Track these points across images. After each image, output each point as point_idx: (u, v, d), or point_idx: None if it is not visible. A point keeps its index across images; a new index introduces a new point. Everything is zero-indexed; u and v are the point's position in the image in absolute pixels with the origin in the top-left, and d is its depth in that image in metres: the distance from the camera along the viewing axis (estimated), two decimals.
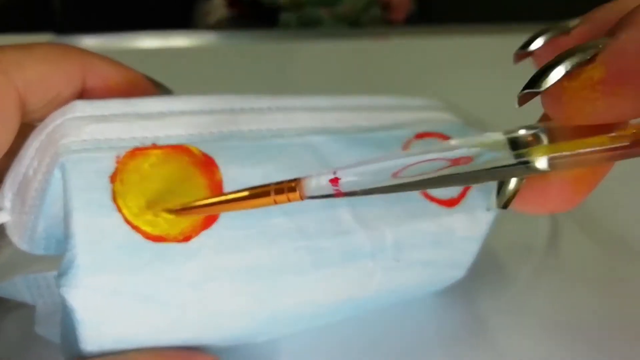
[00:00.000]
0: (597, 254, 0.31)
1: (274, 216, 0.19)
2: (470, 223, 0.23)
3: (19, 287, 0.21)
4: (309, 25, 1.17)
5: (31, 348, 0.23)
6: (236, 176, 0.19)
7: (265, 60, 0.61)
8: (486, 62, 0.61)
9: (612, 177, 0.39)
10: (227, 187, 0.19)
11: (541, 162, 0.14)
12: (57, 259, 0.17)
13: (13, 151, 0.18)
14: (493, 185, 0.25)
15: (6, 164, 0.18)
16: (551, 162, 0.14)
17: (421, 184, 0.15)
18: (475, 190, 0.23)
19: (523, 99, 0.14)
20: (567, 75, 0.14)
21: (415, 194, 0.22)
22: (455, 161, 0.14)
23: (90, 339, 0.17)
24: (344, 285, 0.21)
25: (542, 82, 0.14)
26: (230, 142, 0.19)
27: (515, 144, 0.14)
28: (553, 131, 0.15)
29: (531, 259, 0.31)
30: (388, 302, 0.24)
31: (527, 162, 0.14)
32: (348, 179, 0.15)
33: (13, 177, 0.18)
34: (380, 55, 0.64)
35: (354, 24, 1.19)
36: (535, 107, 0.15)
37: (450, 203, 0.23)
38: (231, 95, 0.21)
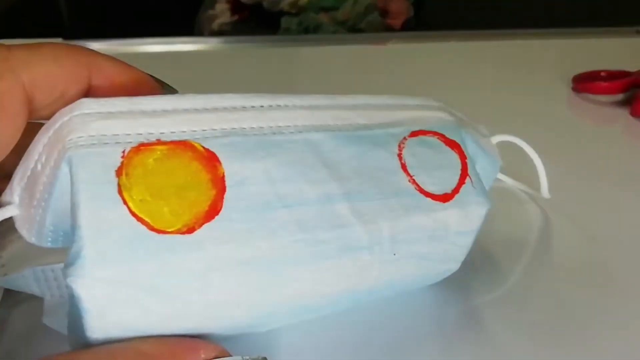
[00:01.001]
0: (589, 249, 0.31)
1: (274, 209, 0.20)
2: (463, 218, 0.24)
3: (28, 280, 0.21)
4: (309, 30, 1.17)
5: (39, 339, 0.23)
6: (238, 170, 0.19)
7: (267, 65, 0.61)
8: (481, 66, 0.62)
9: (606, 174, 0.40)
10: (229, 181, 0.19)
11: None
12: (64, 251, 0.18)
13: (20, 150, 0.19)
14: (485, 183, 0.26)
15: (14, 162, 0.19)
16: None
17: None
18: (468, 187, 0.24)
19: None
20: None
21: (411, 190, 0.23)
22: None
23: (96, 327, 0.18)
24: (343, 277, 0.22)
25: None
26: (232, 139, 0.20)
27: None
28: None
29: (524, 254, 0.31)
30: (385, 294, 0.25)
31: None
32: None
33: (22, 173, 0.19)
34: (378, 60, 0.65)
35: (354, 29, 1.20)
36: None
37: (444, 198, 0.23)
38: (233, 94, 0.21)
